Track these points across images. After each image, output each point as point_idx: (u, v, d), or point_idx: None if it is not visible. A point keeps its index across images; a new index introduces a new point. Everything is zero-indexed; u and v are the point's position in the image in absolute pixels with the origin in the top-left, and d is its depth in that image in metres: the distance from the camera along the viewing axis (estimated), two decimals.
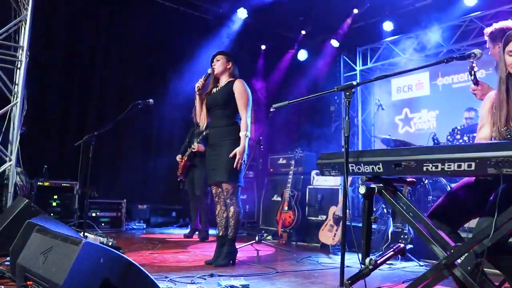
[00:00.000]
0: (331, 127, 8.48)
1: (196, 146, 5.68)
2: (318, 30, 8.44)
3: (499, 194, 1.79)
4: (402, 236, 4.55)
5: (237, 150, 3.89)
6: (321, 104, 8.35)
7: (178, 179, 6.16)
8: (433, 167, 1.94)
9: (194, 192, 5.90)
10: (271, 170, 6.79)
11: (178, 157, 6.06)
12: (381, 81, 8.77)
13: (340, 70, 9.01)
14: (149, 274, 2.21)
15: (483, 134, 2.45)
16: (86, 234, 4.66)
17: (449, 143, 4.91)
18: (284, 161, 6.54)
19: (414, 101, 8.33)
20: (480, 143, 1.90)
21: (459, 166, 1.86)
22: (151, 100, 4.88)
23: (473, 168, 1.83)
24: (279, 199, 6.16)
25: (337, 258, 3.68)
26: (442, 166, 1.91)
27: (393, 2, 7.66)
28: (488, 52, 3.41)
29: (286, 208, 5.84)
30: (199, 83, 4.15)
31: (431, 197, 5.15)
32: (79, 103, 7.16)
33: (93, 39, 7.29)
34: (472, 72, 3.02)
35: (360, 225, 5.31)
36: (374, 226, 5.13)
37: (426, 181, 5.29)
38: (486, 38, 3.37)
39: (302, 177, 6.23)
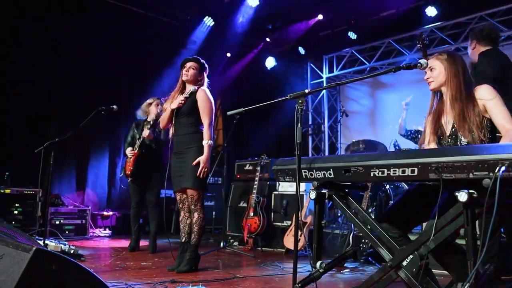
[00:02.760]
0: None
1: (146, 133, 5.16)
2: (285, 38, 8.53)
3: (439, 198, 1.87)
4: (363, 240, 4.64)
5: (201, 159, 3.93)
6: (288, 110, 8.43)
7: (129, 180, 5.38)
8: (380, 173, 2.01)
9: (144, 198, 5.42)
10: (238, 176, 6.81)
11: (129, 150, 5.34)
12: (347, 88, 8.97)
13: (307, 78, 9.17)
14: (103, 280, 2.20)
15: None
16: (47, 242, 4.59)
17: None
18: (251, 167, 6.57)
19: (381, 106, 8.51)
20: (423, 149, 1.99)
21: (403, 171, 1.94)
22: (115, 106, 4.84)
23: (416, 173, 1.91)
24: (245, 205, 6.19)
25: (301, 263, 3.73)
26: (388, 172, 1.99)
27: (358, 12, 7.84)
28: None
29: (251, 214, 5.88)
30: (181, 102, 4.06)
31: (392, 202, 5.29)
32: (43, 108, 7.03)
33: (58, 43, 7.18)
34: (421, 43, 3.08)
35: (327, 230, 5.43)
36: (337, 231, 5.24)
37: (388, 187, 5.43)
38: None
39: (268, 183, 6.28)
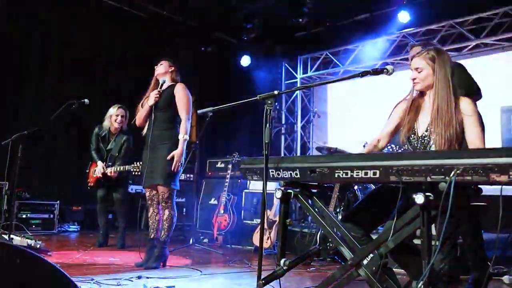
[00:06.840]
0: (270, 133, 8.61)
1: (113, 171, 5.23)
2: (262, 37, 8.57)
3: (398, 199, 1.94)
4: (330, 240, 4.72)
5: (175, 152, 3.94)
6: (260, 110, 8.47)
7: (89, 187, 5.54)
8: (344, 174, 2.07)
9: (109, 193, 5.44)
10: (209, 173, 6.84)
11: (100, 166, 5.32)
12: (320, 90, 9.08)
13: (282, 78, 9.25)
14: (68, 275, 2.20)
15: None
16: (12, 236, 4.51)
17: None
18: (222, 165, 6.61)
19: (353, 108, 8.64)
20: (384, 152, 2.06)
21: (366, 173, 2.01)
22: (86, 100, 4.79)
23: (378, 175, 1.98)
24: (216, 202, 6.22)
25: (269, 260, 3.79)
26: (351, 173, 2.05)
27: (333, 14, 7.95)
28: None
29: (222, 211, 5.91)
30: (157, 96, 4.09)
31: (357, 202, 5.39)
32: (12, 101, 6.89)
33: (29, 35, 7.05)
34: None
35: (295, 229, 5.51)
36: (306, 230, 5.32)
37: (356, 187, 5.53)
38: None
39: (239, 181, 6.32)
